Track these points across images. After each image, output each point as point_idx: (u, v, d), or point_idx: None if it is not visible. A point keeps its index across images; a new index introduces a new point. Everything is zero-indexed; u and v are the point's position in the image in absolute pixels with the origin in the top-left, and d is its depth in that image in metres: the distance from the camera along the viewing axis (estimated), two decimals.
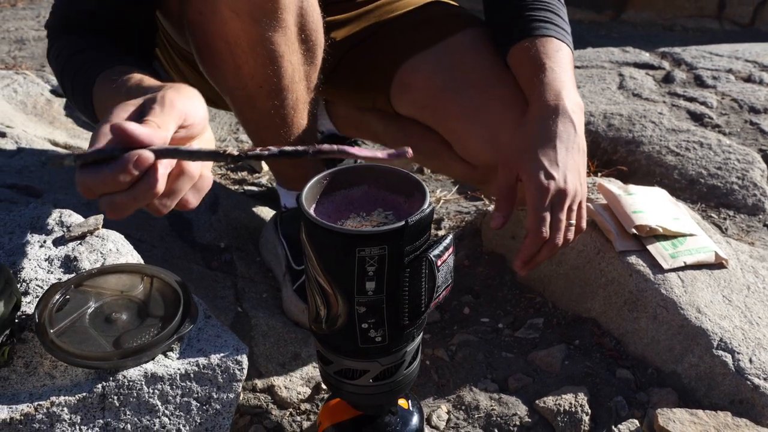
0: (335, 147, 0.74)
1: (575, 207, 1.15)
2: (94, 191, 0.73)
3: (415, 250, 0.88)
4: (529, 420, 1.20)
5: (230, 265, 1.49)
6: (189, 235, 1.55)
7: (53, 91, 2.27)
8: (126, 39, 1.13)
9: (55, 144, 1.90)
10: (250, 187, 1.96)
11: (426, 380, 1.29)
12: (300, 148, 0.73)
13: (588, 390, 1.24)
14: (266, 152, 0.75)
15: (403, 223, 0.84)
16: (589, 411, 1.20)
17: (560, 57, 1.23)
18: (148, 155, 0.69)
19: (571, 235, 1.15)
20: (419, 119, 1.45)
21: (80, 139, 2.01)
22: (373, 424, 1.08)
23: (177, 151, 0.75)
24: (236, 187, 1.95)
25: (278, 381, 1.26)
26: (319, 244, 0.88)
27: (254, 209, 1.73)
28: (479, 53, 1.40)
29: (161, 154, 0.72)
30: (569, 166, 1.12)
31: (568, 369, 1.30)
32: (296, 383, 1.26)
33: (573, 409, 1.20)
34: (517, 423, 1.20)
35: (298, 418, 1.21)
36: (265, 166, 2.09)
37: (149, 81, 0.95)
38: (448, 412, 1.23)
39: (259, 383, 1.25)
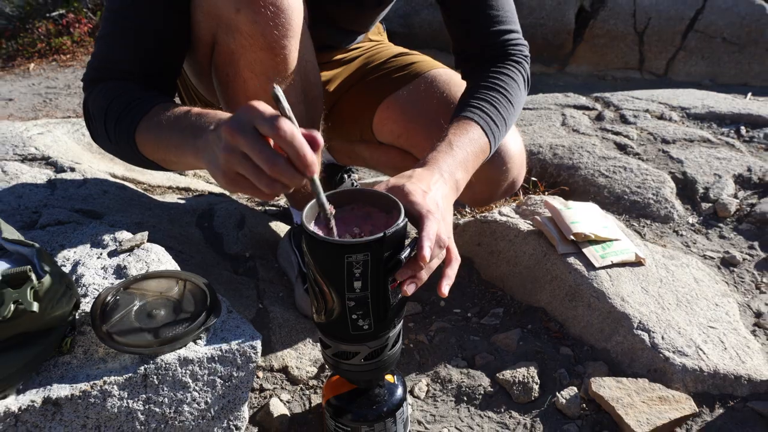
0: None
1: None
2: None
3: (392, 256, 0.86)
4: (491, 389, 1.20)
5: (253, 270, 1.47)
6: (220, 247, 1.52)
7: None
8: (153, 85, 1.09)
9: (114, 176, 1.88)
10: (270, 208, 1.93)
11: (409, 359, 1.27)
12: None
13: (537, 364, 1.23)
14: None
15: (382, 234, 0.83)
16: (539, 381, 1.19)
17: (465, 140, 1.09)
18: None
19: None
20: (397, 145, 1.43)
21: (134, 172, 1.98)
22: (365, 395, 1.06)
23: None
24: (259, 207, 1.92)
25: (291, 362, 1.24)
26: (316, 253, 0.87)
27: (273, 225, 1.70)
28: (439, 90, 1.37)
29: None
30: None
31: (522, 348, 1.29)
32: (306, 364, 1.25)
33: (525, 380, 1.19)
34: (482, 392, 1.19)
35: (307, 392, 1.19)
36: None
37: (199, 109, 0.94)
38: (427, 385, 1.22)
39: (276, 364, 1.23)
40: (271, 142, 0.75)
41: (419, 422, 1.14)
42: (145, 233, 1.05)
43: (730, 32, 4.29)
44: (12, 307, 0.68)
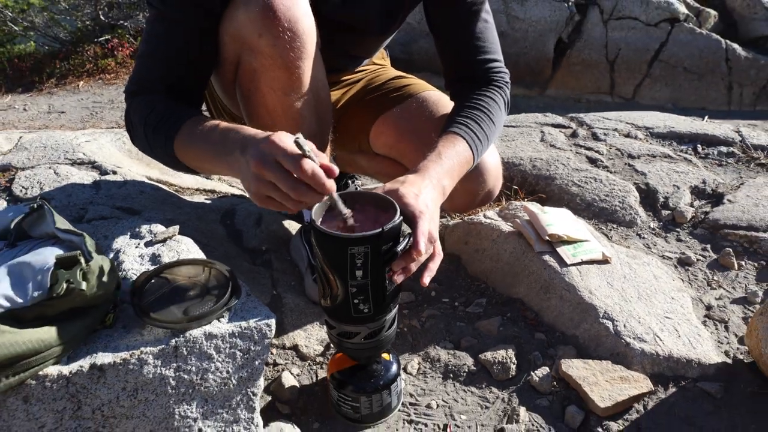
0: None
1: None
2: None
3: (389, 248, 0.87)
4: (474, 368, 1.19)
5: (269, 262, 1.47)
6: (240, 242, 1.52)
7: None
8: (187, 93, 1.09)
9: (150, 179, 1.87)
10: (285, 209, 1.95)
11: (403, 341, 1.27)
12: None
13: (515, 347, 1.23)
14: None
15: (380, 230, 0.84)
16: (516, 361, 1.19)
17: (452, 153, 1.08)
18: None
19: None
20: (390, 155, 1.41)
21: (167, 175, 1.96)
22: (364, 370, 1.07)
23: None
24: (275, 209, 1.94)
25: (301, 341, 1.24)
26: (323, 245, 0.88)
27: (286, 224, 1.69)
28: (428, 109, 1.35)
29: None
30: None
31: (502, 333, 1.28)
32: (313, 343, 1.25)
33: (504, 360, 1.19)
34: (466, 370, 1.19)
35: (314, 368, 1.20)
36: None
37: (225, 124, 0.96)
38: (419, 363, 1.22)
39: (287, 343, 1.23)
40: None
41: (411, 395, 1.14)
42: (177, 227, 1.05)
43: (690, 63, 4.25)
44: (65, 285, 0.69)
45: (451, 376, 1.19)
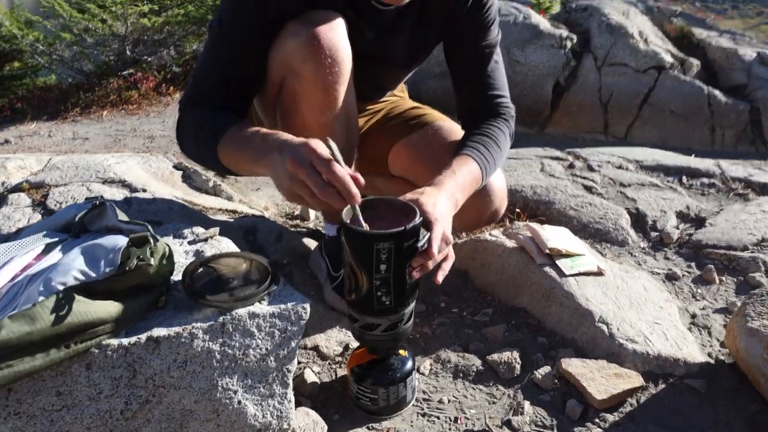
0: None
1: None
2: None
3: (410, 245, 0.92)
4: (482, 368, 1.22)
5: (290, 274, 1.49)
6: (264, 256, 1.57)
7: (175, 166, 2.24)
8: (234, 107, 1.14)
9: (176, 197, 1.94)
10: (301, 228, 1.96)
11: (416, 347, 1.30)
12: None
13: (519, 350, 1.25)
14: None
15: (403, 228, 0.89)
16: (520, 362, 1.23)
17: (465, 171, 1.15)
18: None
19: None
20: (405, 177, 1.45)
21: (191, 196, 2.01)
22: (383, 364, 1.09)
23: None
24: (293, 228, 1.96)
25: (321, 343, 1.28)
26: (351, 242, 0.92)
27: (304, 240, 1.73)
28: (442, 136, 1.39)
29: None
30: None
31: (507, 338, 1.31)
32: (333, 344, 1.28)
33: (510, 361, 1.22)
34: (474, 370, 1.22)
35: (334, 366, 1.23)
36: (312, 216, 2.07)
37: (265, 130, 1.02)
38: (431, 365, 1.24)
39: (309, 344, 1.27)
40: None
41: (424, 392, 1.17)
42: (217, 228, 1.10)
43: (676, 106, 4.36)
44: (135, 261, 0.75)
45: (461, 375, 1.22)
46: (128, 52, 5.10)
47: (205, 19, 5.18)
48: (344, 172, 0.86)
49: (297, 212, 2.21)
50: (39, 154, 2.43)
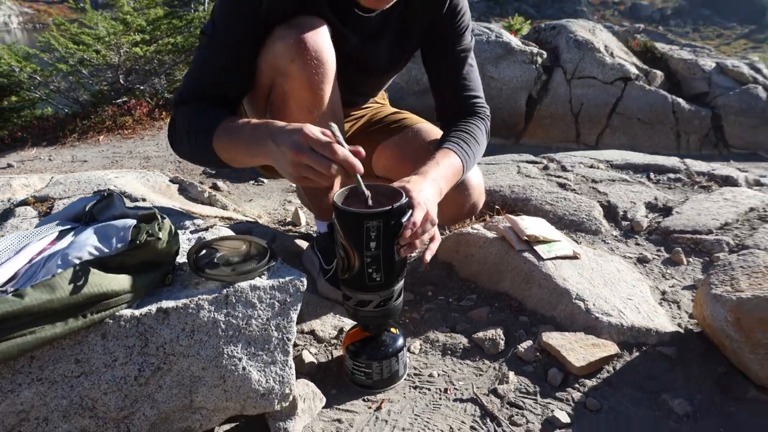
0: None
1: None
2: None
3: (397, 223, 0.95)
4: (469, 346, 1.26)
5: None
6: None
7: (171, 180, 2.27)
8: (224, 106, 1.16)
9: (174, 206, 1.96)
10: (293, 232, 1.99)
11: (406, 330, 1.33)
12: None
13: (503, 328, 1.29)
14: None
15: (390, 207, 0.93)
16: (504, 338, 1.26)
17: (447, 163, 1.19)
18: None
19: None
20: (388, 176, 1.46)
21: (188, 205, 2.02)
22: (375, 341, 1.12)
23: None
24: (287, 231, 1.99)
25: (317, 327, 1.30)
26: (343, 221, 0.95)
27: (296, 241, 1.77)
28: (421, 138, 1.42)
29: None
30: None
31: (491, 319, 1.35)
32: (328, 328, 1.31)
33: (494, 338, 1.26)
34: (461, 347, 1.26)
35: (329, 348, 1.25)
36: (302, 221, 2.10)
37: (255, 120, 1.05)
38: (420, 344, 1.28)
39: (306, 328, 1.29)
40: None
41: (415, 368, 1.20)
42: (216, 218, 1.16)
43: (643, 114, 4.44)
44: (145, 236, 0.79)
45: (449, 352, 1.25)
46: (122, 81, 5.15)
47: (193, 48, 5.25)
48: (344, 150, 0.90)
49: (288, 219, 2.25)
50: (42, 174, 2.44)
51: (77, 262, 0.77)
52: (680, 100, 4.57)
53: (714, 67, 4.90)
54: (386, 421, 1.05)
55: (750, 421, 1.06)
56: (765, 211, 1.85)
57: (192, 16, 5.51)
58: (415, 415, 1.07)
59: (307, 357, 1.21)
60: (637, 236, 1.80)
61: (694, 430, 1.04)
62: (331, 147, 0.90)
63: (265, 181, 2.88)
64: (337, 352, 1.25)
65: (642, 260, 1.66)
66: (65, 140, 4.14)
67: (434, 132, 1.45)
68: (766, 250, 1.53)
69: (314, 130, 0.93)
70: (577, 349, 1.20)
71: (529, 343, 1.25)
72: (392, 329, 1.17)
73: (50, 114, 5.11)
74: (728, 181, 2.23)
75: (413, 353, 1.26)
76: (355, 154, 0.92)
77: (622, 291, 1.40)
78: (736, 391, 1.12)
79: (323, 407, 1.08)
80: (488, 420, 1.06)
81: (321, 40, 1.13)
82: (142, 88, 5.24)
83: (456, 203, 1.39)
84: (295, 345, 1.26)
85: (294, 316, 0.92)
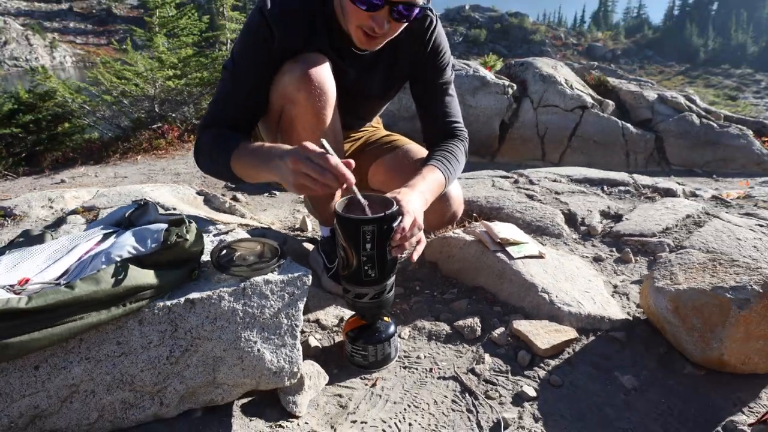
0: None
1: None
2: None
3: (389, 228, 0.96)
4: (450, 332, 1.25)
5: None
6: None
7: (198, 193, 2.25)
8: (241, 130, 1.16)
9: (199, 215, 1.96)
10: (301, 236, 1.98)
11: (397, 319, 1.32)
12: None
13: (479, 317, 1.29)
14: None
15: (383, 214, 0.94)
16: (480, 325, 1.26)
17: (432, 177, 1.19)
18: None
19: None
20: (381, 189, 1.45)
21: (211, 214, 2.01)
22: (371, 328, 1.12)
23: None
24: (295, 236, 1.98)
25: (321, 317, 1.30)
26: (343, 226, 0.95)
27: (304, 244, 1.76)
28: (410, 156, 1.42)
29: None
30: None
31: (470, 309, 1.34)
32: (330, 317, 1.31)
33: (472, 325, 1.25)
34: (444, 334, 1.25)
35: (332, 335, 1.25)
36: (309, 227, 2.09)
37: (268, 144, 1.04)
38: (409, 331, 1.27)
39: (311, 318, 1.29)
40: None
41: (404, 351, 1.20)
42: (235, 223, 1.15)
43: (598, 137, 4.46)
44: (175, 237, 0.79)
45: (434, 338, 1.25)
46: (156, 110, 5.16)
47: (216, 81, 5.27)
48: (336, 159, 0.89)
49: (297, 225, 2.24)
50: (89, 188, 2.44)
51: (118, 259, 0.77)
52: (629, 125, 4.61)
53: (656, 98, 4.95)
54: (380, 396, 1.05)
55: (687, 392, 1.06)
56: (699, 217, 1.86)
57: (216, 55, 5.54)
58: (405, 390, 1.07)
59: (313, 342, 1.20)
60: (593, 239, 1.80)
61: (640, 401, 1.04)
62: (324, 156, 0.89)
63: (278, 193, 2.89)
64: (338, 338, 1.25)
65: (597, 259, 1.66)
66: (109, 159, 4.15)
67: (421, 151, 1.45)
68: (700, 250, 1.55)
69: (311, 145, 0.92)
70: (542, 334, 1.19)
71: (501, 329, 1.25)
72: (385, 318, 1.17)
73: (96, 138, 5.12)
74: (669, 193, 2.25)
75: (403, 338, 1.26)
76: (346, 164, 0.91)
77: (580, 285, 1.40)
78: (675, 367, 1.13)
79: (326, 384, 1.08)
80: (467, 395, 1.06)
81: (323, 73, 1.14)
82: (173, 115, 5.25)
83: (439, 212, 1.39)
84: (303, 331, 1.25)
85: (301, 306, 0.92)
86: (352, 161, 0.92)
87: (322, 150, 0.91)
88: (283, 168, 0.96)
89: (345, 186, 0.92)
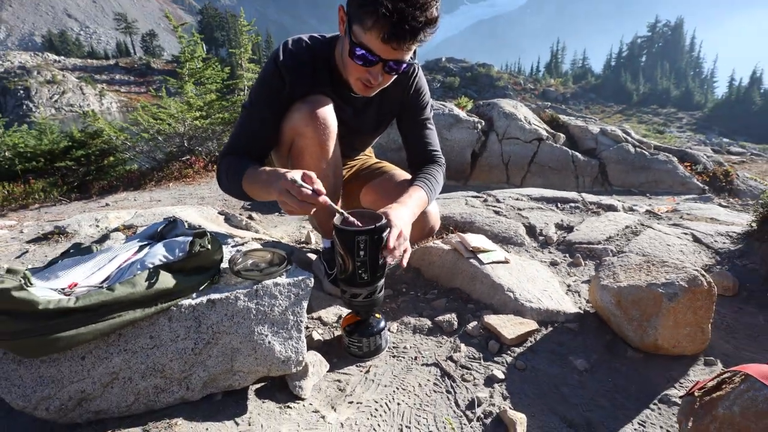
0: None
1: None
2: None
3: (379, 238, 0.95)
4: (432, 326, 1.24)
5: None
6: None
7: (219, 213, 2.25)
8: (255, 158, 1.14)
9: (220, 231, 1.94)
10: (307, 248, 1.95)
11: (387, 315, 1.31)
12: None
13: (456, 313, 1.28)
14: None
15: (374, 226, 0.94)
16: (457, 320, 1.25)
17: (417, 195, 1.19)
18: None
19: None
20: (372, 208, 1.42)
21: (231, 230, 1.95)
22: (365, 323, 1.11)
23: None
24: (301, 248, 1.95)
25: (323, 314, 1.28)
26: (341, 236, 0.95)
27: (308, 255, 1.74)
28: (395, 180, 1.41)
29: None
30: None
31: (447, 307, 1.34)
32: (330, 315, 1.29)
33: (450, 320, 1.25)
34: (427, 327, 1.24)
35: (332, 330, 1.23)
36: (313, 240, 2.07)
37: (270, 168, 1.02)
38: (397, 326, 1.26)
39: (315, 315, 1.27)
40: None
41: (393, 343, 1.19)
42: (250, 237, 1.15)
43: (553, 164, 4.49)
44: (198, 247, 0.79)
45: (418, 331, 1.24)
46: (185, 144, 5.16)
47: (235, 119, 5.31)
48: (307, 190, 0.88)
49: (303, 239, 2.24)
50: (129, 210, 2.44)
51: (151, 266, 0.77)
52: (577, 153, 4.67)
53: (599, 131, 5.05)
54: (373, 381, 1.04)
55: (629, 372, 1.07)
56: (636, 228, 1.89)
57: (236, 99, 5.59)
58: (394, 375, 1.06)
59: (316, 335, 1.19)
60: (549, 247, 1.81)
61: (591, 380, 1.04)
62: (298, 189, 0.88)
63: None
64: (337, 332, 1.24)
65: (553, 263, 1.66)
66: (146, 186, 4.12)
67: (404, 176, 1.46)
68: (637, 254, 1.57)
69: (295, 176, 0.92)
70: (508, 326, 1.19)
71: (474, 323, 1.24)
72: (377, 315, 1.16)
73: (136, 168, 5.11)
74: (611, 208, 2.27)
75: (392, 332, 1.25)
76: (316, 192, 0.90)
77: (539, 285, 1.40)
78: (619, 351, 1.13)
79: (327, 371, 1.07)
80: (446, 378, 1.05)
81: (327, 111, 1.15)
82: (199, 149, 5.25)
83: (420, 227, 1.40)
84: (307, 327, 1.24)
85: (305, 304, 0.92)
86: (322, 189, 0.91)
87: (299, 183, 0.90)
88: (275, 194, 0.96)
89: (318, 205, 0.91)
